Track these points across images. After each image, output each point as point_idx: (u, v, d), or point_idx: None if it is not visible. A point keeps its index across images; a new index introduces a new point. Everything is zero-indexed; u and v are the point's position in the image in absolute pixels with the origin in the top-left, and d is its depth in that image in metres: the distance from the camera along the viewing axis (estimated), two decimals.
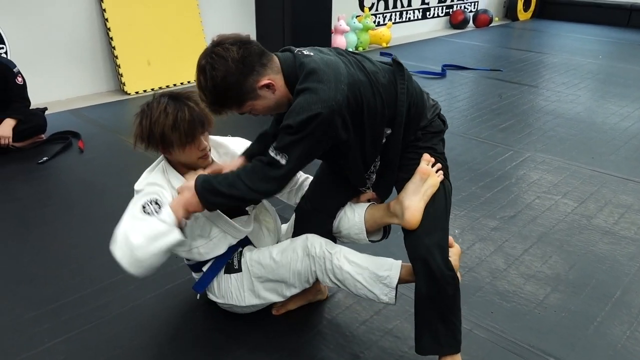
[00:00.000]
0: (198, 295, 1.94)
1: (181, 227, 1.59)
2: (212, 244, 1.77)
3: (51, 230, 2.58)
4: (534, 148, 3.62)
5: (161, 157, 1.79)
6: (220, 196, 1.55)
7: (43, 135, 3.58)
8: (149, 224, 1.54)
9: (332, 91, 1.44)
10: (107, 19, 4.65)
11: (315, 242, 1.72)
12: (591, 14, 8.80)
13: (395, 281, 1.65)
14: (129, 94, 4.78)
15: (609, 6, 8.72)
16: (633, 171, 3.27)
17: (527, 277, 2.24)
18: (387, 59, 1.72)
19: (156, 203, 1.60)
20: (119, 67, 4.77)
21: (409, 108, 1.62)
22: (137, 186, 1.72)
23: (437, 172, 1.65)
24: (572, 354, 1.82)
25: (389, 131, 1.63)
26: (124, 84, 4.80)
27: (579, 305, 2.07)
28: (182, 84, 5.15)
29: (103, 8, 4.62)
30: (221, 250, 1.79)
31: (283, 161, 1.48)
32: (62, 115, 4.02)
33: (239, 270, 1.80)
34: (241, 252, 1.83)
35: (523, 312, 2.02)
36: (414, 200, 1.61)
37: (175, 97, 1.66)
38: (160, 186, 1.68)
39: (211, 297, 1.90)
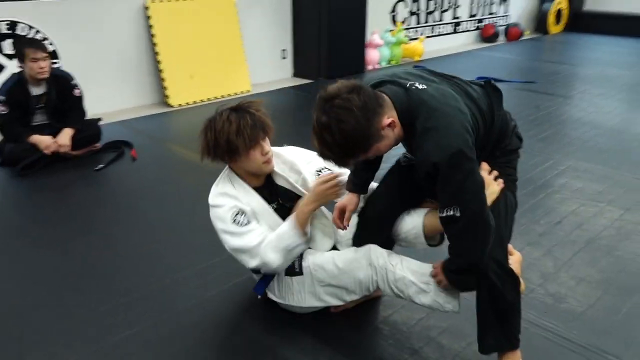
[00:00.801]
0: (259, 295, 2.04)
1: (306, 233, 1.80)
2: None
3: (114, 232, 2.72)
4: (574, 157, 3.65)
5: (225, 168, 1.92)
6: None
7: (98, 144, 3.75)
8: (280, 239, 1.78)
9: (458, 125, 1.45)
10: (153, 35, 4.86)
11: (378, 253, 1.80)
12: (623, 26, 8.76)
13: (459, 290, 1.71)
14: (172, 106, 4.97)
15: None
16: None
17: (577, 279, 2.27)
18: (478, 80, 1.73)
19: (242, 213, 1.81)
20: (164, 81, 4.97)
21: (498, 132, 1.66)
22: (211, 201, 1.87)
23: (495, 180, 1.68)
24: (629, 353, 1.85)
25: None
26: (167, 97, 4.98)
27: (631, 307, 2.10)
28: (222, 96, 5.32)
29: (150, 24, 4.84)
30: None
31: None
32: (113, 126, 4.21)
33: (300, 273, 1.88)
34: (302, 255, 1.91)
35: (577, 313, 2.06)
36: None
37: (235, 109, 1.81)
38: (232, 197, 1.83)
39: (271, 296, 2.00)
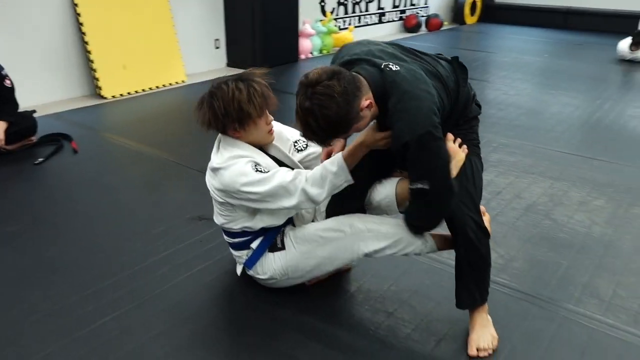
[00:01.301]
0: (239, 272, 2.07)
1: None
2: (275, 214, 1.90)
3: (66, 225, 2.62)
4: (504, 135, 3.95)
5: (218, 138, 1.89)
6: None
7: (33, 138, 3.56)
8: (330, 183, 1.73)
9: (427, 108, 1.56)
10: (82, 24, 4.64)
11: (359, 219, 1.89)
12: (532, 17, 9.46)
13: (429, 237, 1.86)
14: (106, 97, 4.78)
15: (547, 10, 9.39)
16: (592, 150, 3.65)
17: (523, 241, 2.51)
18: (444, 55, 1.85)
19: (260, 165, 1.76)
20: (95, 72, 4.77)
21: (463, 104, 1.80)
22: (221, 164, 1.79)
23: (460, 147, 1.82)
24: (573, 299, 2.09)
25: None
26: (100, 88, 4.79)
27: (571, 260, 2.35)
28: (157, 87, 5.19)
29: (78, 12, 4.62)
30: (280, 221, 1.93)
31: None
32: (45, 119, 3.99)
33: (283, 248, 1.93)
34: (283, 231, 1.96)
35: (526, 269, 2.29)
36: None
37: (239, 79, 1.80)
38: (244, 156, 1.79)
39: (251, 273, 2.03)
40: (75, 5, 4.59)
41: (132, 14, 5.01)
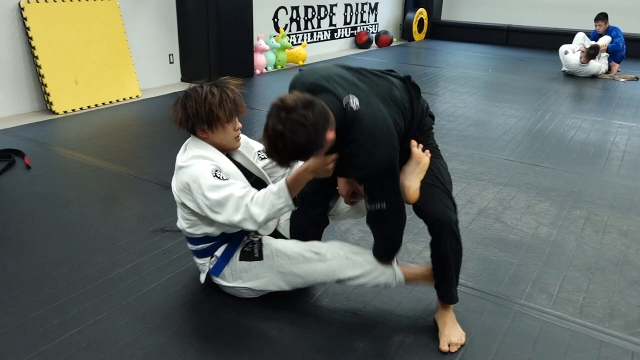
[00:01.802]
0: (202, 280, 2.10)
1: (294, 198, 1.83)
2: None
3: (27, 240, 2.56)
4: (455, 145, 4.15)
5: (190, 139, 1.96)
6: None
7: None
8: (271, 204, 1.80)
9: (385, 145, 1.68)
10: (31, 38, 4.55)
11: (340, 247, 1.97)
12: (475, 34, 9.94)
13: (399, 270, 1.98)
14: (57, 113, 4.68)
15: (489, 27, 9.90)
16: (535, 158, 3.89)
17: (476, 243, 2.65)
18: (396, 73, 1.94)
19: (220, 171, 1.84)
20: (46, 87, 4.66)
21: (419, 120, 1.91)
22: (183, 162, 1.87)
23: (424, 151, 1.93)
24: (524, 295, 2.23)
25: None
26: (51, 104, 4.68)
27: (521, 259, 2.51)
28: (110, 102, 5.13)
29: (27, 26, 4.52)
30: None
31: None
32: None
33: (260, 258, 1.97)
34: (261, 241, 2.00)
35: (481, 269, 2.42)
36: (412, 180, 1.86)
37: (215, 84, 1.89)
38: (207, 158, 1.86)
39: (219, 281, 2.06)
40: (25, 19, 4.50)
41: (84, 28, 4.95)
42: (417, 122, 1.91)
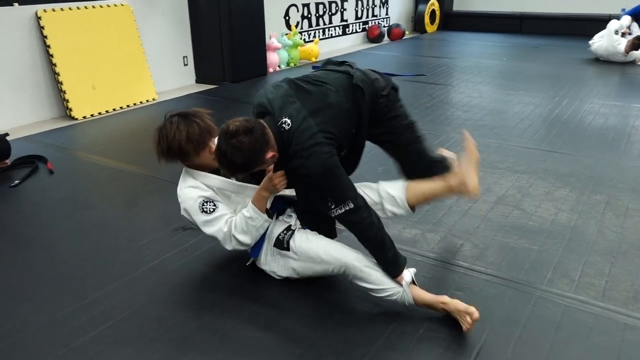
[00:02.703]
0: (251, 260, 2.24)
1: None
2: None
3: (53, 242, 2.63)
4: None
5: (183, 167, 2.14)
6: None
7: (7, 161, 3.54)
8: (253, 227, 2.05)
9: (318, 154, 1.87)
10: (49, 46, 4.64)
11: (357, 259, 2.01)
12: (488, 24, 9.83)
13: (408, 291, 2.00)
14: (77, 119, 4.78)
15: (502, 16, 9.79)
16: (553, 144, 3.86)
17: (495, 231, 2.65)
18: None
19: (208, 201, 2.05)
20: (64, 93, 4.76)
21: (372, 115, 2.08)
22: (179, 196, 2.13)
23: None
24: (545, 282, 2.23)
25: (354, 130, 2.07)
26: (70, 110, 4.78)
27: (541, 245, 2.50)
28: (128, 106, 5.21)
29: (44, 35, 4.61)
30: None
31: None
32: (17, 142, 3.96)
33: (288, 249, 2.10)
34: (293, 232, 2.11)
35: (501, 256, 2.42)
36: (471, 177, 2.20)
37: (184, 116, 2.04)
38: (195, 187, 2.07)
39: (259, 264, 2.22)
40: (42, 27, 4.59)
41: (99, 35, 5.03)
42: (373, 113, 2.08)
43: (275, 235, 2.12)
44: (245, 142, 1.81)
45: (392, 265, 1.99)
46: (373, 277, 1.99)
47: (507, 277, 2.26)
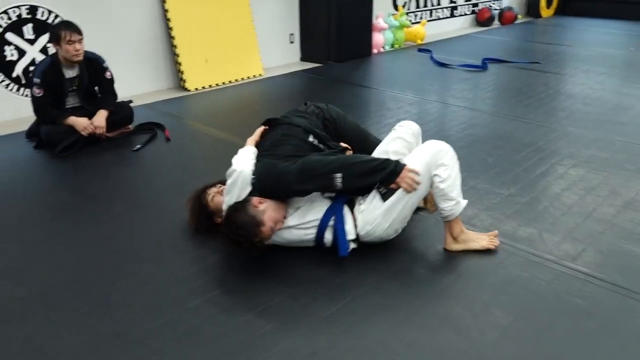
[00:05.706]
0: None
1: None
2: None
3: (171, 207, 2.75)
4: (593, 130, 3.82)
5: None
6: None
7: (130, 126, 3.79)
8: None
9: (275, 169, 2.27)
10: (169, 19, 4.88)
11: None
12: (614, 9, 9.01)
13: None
14: (189, 90, 5.00)
15: (631, 1, 8.92)
16: None
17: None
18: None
19: None
20: (180, 65, 4.99)
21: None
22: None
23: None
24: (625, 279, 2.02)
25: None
26: (184, 81, 5.01)
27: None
28: (236, 80, 5.37)
29: (166, 9, 4.85)
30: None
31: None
32: (138, 109, 4.22)
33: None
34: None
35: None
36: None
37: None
38: None
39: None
40: (164, 1, 4.83)
41: (215, 9, 5.21)
42: (317, 134, 2.45)
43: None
44: (239, 218, 2.17)
45: (384, 171, 2.15)
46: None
47: (637, 289, 2.07)
